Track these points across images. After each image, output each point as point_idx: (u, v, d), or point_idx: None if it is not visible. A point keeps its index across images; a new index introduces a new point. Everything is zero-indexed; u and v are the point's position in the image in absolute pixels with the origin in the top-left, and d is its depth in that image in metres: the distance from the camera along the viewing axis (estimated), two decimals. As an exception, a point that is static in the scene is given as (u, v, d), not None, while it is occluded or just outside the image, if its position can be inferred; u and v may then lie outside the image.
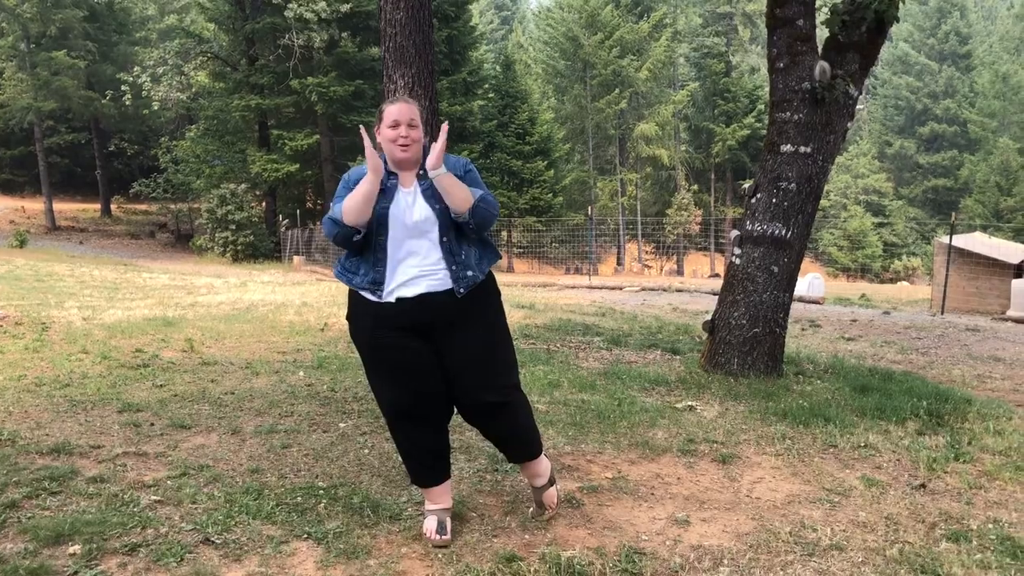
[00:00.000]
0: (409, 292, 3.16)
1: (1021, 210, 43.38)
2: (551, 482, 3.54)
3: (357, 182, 3.14)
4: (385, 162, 3.20)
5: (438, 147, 3.11)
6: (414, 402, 3.24)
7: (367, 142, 3.06)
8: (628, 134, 41.83)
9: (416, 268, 3.17)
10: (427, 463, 3.35)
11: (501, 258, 3.61)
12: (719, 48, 44.72)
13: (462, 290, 3.20)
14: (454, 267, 3.20)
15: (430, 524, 3.29)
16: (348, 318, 3.37)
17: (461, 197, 3.14)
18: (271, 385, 5.78)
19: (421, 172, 3.22)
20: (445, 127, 3.18)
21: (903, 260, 43.82)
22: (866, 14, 5.82)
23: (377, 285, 3.18)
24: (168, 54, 27.94)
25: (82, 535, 3.12)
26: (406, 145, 3.16)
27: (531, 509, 3.56)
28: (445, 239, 3.19)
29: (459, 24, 31.72)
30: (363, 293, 3.22)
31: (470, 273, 3.23)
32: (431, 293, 3.17)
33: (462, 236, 3.24)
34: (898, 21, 6.16)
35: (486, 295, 3.31)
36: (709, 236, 41.64)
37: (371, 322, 3.21)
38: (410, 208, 3.17)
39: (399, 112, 3.17)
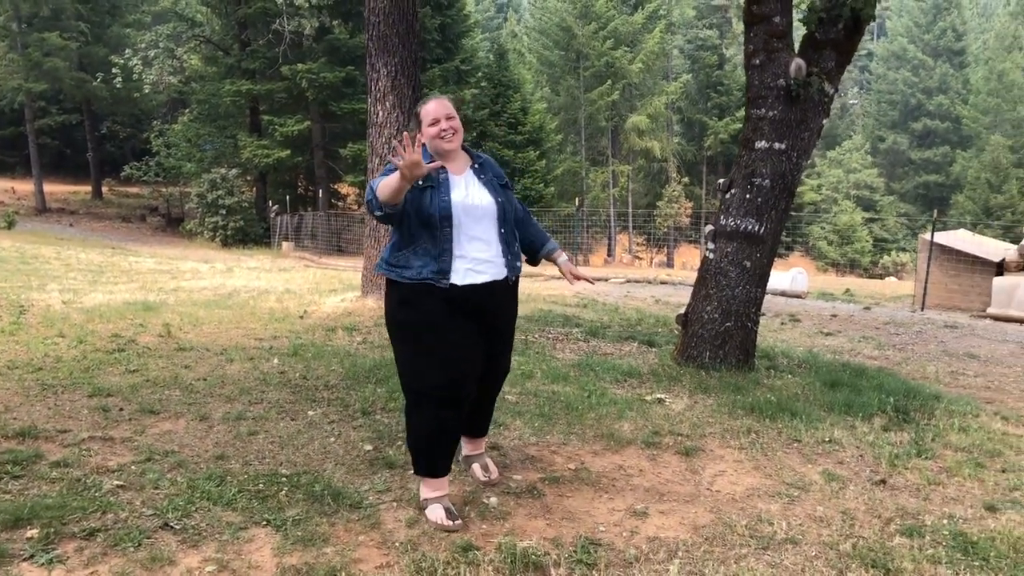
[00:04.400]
0: (479, 279, 3.40)
1: (1011, 207, 43.51)
2: (484, 452, 3.99)
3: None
4: (430, 159, 3.40)
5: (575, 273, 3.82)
6: (466, 384, 3.42)
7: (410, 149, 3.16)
8: (620, 125, 41.72)
9: (481, 256, 3.42)
10: (452, 445, 3.52)
11: None
12: (713, 40, 44.72)
13: (513, 278, 3.54)
14: (509, 256, 3.51)
15: (438, 512, 3.40)
16: (399, 306, 3.43)
17: None
18: (244, 372, 5.80)
19: (476, 165, 3.55)
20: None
21: (892, 255, 43.90)
22: (843, 12, 5.84)
23: (443, 275, 3.34)
24: (160, 37, 27.74)
25: (41, 519, 3.15)
26: (450, 137, 3.43)
27: (479, 475, 3.86)
28: (503, 230, 3.49)
29: (452, 12, 31.63)
30: (426, 283, 3.35)
31: (519, 264, 3.59)
32: (495, 281, 3.44)
33: (514, 232, 3.58)
34: (874, 20, 6.17)
35: (518, 281, 3.66)
36: (699, 228, 41.62)
37: (441, 306, 3.35)
38: (473, 195, 3.44)
39: (435, 110, 3.44)
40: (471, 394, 3.48)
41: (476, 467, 3.88)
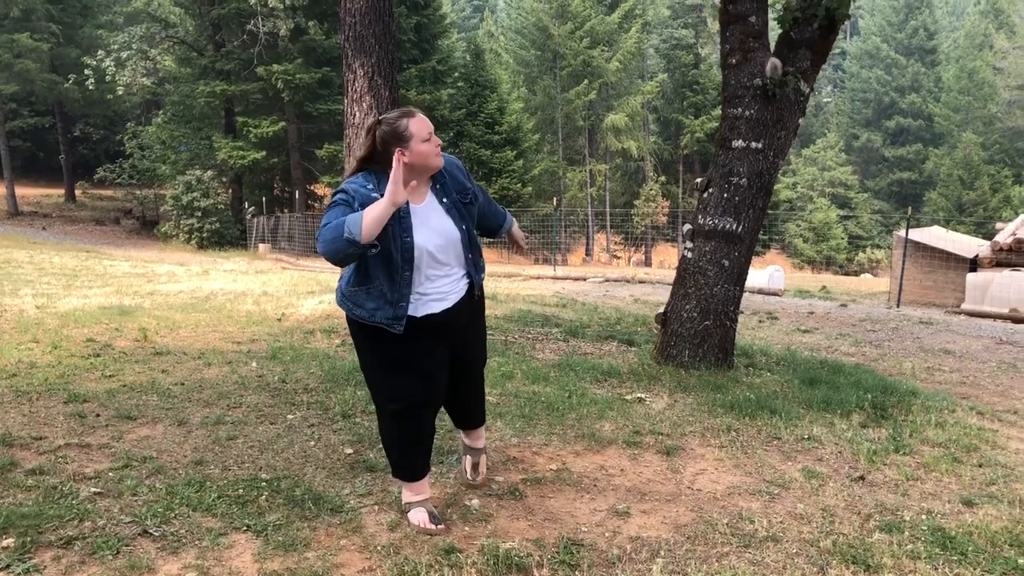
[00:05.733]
0: (437, 308, 3.27)
1: (983, 204, 44.09)
2: (483, 449, 3.89)
3: (364, 204, 3.00)
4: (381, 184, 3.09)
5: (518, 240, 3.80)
6: (429, 399, 3.37)
7: (398, 172, 2.92)
8: (597, 125, 41.85)
9: (444, 287, 3.29)
10: (426, 451, 3.48)
11: None
12: (688, 40, 44.85)
13: (477, 294, 3.46)
14: (475, 275, 3.40)
15: (421, 516, 3.36)
16: (358, 328, 3.31)
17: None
18: (222, 376, 5.76)
19: (437, 186, 3.30)
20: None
21: (867, 252, 44.39)
22: (818, 11, 5.87)
23: (398, 320, 3.17)
24: (133, 38, 27.45)
25: (17, 528, 3.10)
26: (439, 153, 3.22)
27: (468, 471, 3.84)
28: (470, 256, 3.36)
29: (429, 12, 31.59)
30: (378, 326, 3.19)
31: (483, 276, 3.50)
32: (456, 304, 3.32)
33: (477, 246, 3.44)
34: (849, 19, 6.21)
35: (482, 292, 3.58)
36: (676, 227, 41.82)
37: (404, 334, 3.21)
38: (437, 230, 3.24)
39: (427, 124, 3.17)
40: (438, 404, 3.47)
41: (468, 463, 3.84)
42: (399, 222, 3.11)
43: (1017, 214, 21.01)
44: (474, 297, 3.42)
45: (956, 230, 18.74)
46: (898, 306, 13.68)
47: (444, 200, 3.29)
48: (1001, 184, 45.55)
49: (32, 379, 5.45)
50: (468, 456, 3.86)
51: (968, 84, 51.93)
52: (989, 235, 17.07)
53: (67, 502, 3.40)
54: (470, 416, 3.78)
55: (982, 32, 54.51)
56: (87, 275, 13.51)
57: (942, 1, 69.20)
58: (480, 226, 3.57)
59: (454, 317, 3.31)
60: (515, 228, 3.80)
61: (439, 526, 3.33)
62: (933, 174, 50.67)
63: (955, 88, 53.15)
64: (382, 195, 2.95)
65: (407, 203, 3.13)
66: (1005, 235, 13.93)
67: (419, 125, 3.14)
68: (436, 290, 3.26)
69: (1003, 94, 49.91)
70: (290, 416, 4.82)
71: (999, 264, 13.55)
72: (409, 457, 3.42)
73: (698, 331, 6.22)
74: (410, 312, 3.20)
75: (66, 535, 3.10)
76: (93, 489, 3.55)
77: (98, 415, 4.68)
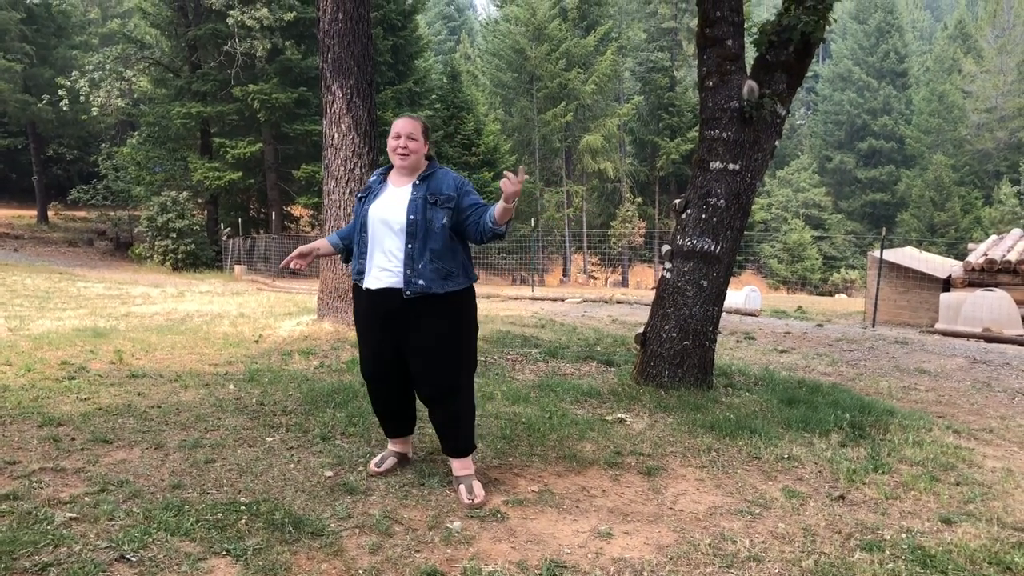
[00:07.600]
0: (375, 284, 3.81)
1: (954, 225, 44.68)
2: (472, 475, 4.00)
3: (366, 189, 3.99)
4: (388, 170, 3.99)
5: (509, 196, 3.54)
6: (374, 367, 4.01)
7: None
8: (574, 146, 42.05)
9: (384, 263, 3.78)
10: (392, 420, 4.17)
11: (471, 283, 3.92)
12: (663, 63, 45.24)
13: (408, 293, 3.73)
14: (408, 272, 3.72)
15: (376, 457, 4.22)
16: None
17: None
18: (199, 398, 5.69)
19: (417, 181, 3.81)
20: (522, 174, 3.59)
21: (841, 273, 44.74)
22: (793, 35, 5.96)
23: (360, 275, 3.88)
24: (108, 59, 27.28)
25: (-10, 555, 3.04)
26: (404, 154, 3.80)
27: (463, 497, 3.85)
28: (410, 246, 3.72)
29: (405, 33, 31.63)
30: (354, 281, 3.97)
31: (421, 283, 3.71)
32: (388, 288, 3.76)
33: (427, 251, 3.71)
34: (823, 42, 6.31)
35: (443, 310, 3.79)
36: (653, 248, 42.05)
37: (361, 303, 3.96)
38: (390, 207, 3.78)
39: (401, 126, 3.81)
40: (385, 382, 4.01)
41: (461, 489, 3.89)
42: (368, 197, 3.89)
43: (988, 235, 21.31)
44: (404, 295, 3.73)
45: (928, 251, 18.96)
46: (873, 326, 13.79)
47: (414, 193, 3.77)
48: (972, 205, 46.21)
49: (5, 402, 5.36)
50: (461, 485, 3.91)
51: (938, 107, 52.77)
52: (961, 255, 17.31)
53: (42, 527, 3.34)
54: (445, 439, 4.04)
55: (951, 56, 55.42)
56: (60, 297, 13.36)
57: (911, 25, 70.41)
58: (464, 230, 3.78)
59: (385, 301, 3.78)
60: (498, 207, 3.61)
61: (376, 469, 4.11)
62: (905, 195, 51.32)
63: (925, 111, 54.00)
64: (375, 184, 3.95)
65: (387, 184, 3.90)
66: (977, 255, 14.12)
67: (395, 124, 3.83)
68: (377, 266, 3.81)
69: (972, 117, 50.76)
70: (269, 439, 4.77)
71: (971, 284, 13.72)
72: (380, 419, 4.23)
73: (677, 351, 6.24)
74: (365, 284, 3.86)
75: (41, 561, 3.04)
76: (69, 514, 3.49)
77: (73, 439, 4.61)
